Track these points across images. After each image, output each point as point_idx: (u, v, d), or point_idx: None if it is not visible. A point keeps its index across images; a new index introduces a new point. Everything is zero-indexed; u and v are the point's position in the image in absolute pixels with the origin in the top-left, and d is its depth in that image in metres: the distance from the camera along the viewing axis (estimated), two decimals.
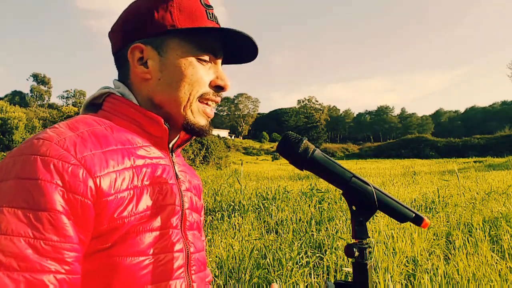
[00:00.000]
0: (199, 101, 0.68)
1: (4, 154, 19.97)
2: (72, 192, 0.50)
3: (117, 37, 0.70)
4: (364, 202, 0.62)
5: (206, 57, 0.68)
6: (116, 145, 0.59)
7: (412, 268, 2.93)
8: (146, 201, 0.60)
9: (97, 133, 0.58)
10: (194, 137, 0.75)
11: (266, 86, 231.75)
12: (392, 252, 3.12)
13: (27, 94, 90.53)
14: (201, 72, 0.67)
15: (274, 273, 2.88)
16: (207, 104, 0.70)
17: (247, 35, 0.67)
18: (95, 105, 0.70)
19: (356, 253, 0.60)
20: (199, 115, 0.69)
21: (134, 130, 0.66)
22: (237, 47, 0.72)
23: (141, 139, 0.65)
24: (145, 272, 0.58)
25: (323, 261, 3.00)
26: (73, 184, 0.50)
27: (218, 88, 0.70)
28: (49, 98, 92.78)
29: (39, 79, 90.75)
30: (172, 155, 0.72)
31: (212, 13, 0.69)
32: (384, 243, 3.28)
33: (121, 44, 0.68)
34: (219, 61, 0.72)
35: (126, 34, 0.68)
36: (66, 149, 0.52)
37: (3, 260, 0.44)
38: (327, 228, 4.10)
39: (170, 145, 0.72)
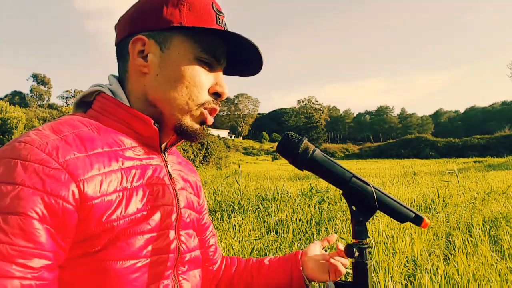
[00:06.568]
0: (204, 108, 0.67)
1: None
2: (53, 196, 0.49)
3: (122, 28, 0.68)
4: (364, 202, 0.62)
5: (208, 60, 0.66)
6: (103, 147, 0.58)
7: (412, 268, 2.93)
8: (136, 203, 0.58)
9: (82, 136, 0.57)
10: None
11: (266, 86, 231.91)
12: (392, 252, 3.11)
13: (27, 94, 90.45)
14: (200, 75, 0.65)
15: None
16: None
17: (253, 44, 0.65)
18: (86, 103, 0.69)
19: (356, 253, 0.61)
20: (195, 119, 0.67)
21: (123, 130, 0.64)
22: (241, 59, 0.71)
23: (130, 140, 0.64)
24: (137, 275, 0.57)
25: None
26: (54, 188, 0.49)
27: (216, 96, 0.69)
28: (49, 98, 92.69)
29: (39, 79, 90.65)
30: (164, 154, 0.71)
31: (222, 20, 0.68)
32: (384, 243, 3.27)
33: (125, 35, 0.67)
34: (221, 68, 0.70)
35: (131, 25, 0.66)
36: (48, 153, 0.51)
37: None
38: (327, 228, 4.10)
39: (163, 145, 0.71)
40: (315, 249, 0.87)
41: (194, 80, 0.65)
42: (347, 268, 0.85)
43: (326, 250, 0.90)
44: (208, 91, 0.67)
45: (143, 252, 0.58)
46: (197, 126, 0.68)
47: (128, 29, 0.66)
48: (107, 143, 0.60)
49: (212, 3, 0.67)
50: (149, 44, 0.64)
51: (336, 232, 3.80)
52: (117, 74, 0.71)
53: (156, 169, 0.66)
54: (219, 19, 0.67)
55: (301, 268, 0.84)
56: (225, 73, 0.73)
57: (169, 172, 0.69)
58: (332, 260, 0.80)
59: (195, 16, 0.64)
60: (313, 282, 0.83)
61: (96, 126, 0.61)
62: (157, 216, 0.62)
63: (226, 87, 0.69)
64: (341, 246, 0.80)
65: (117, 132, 0.63)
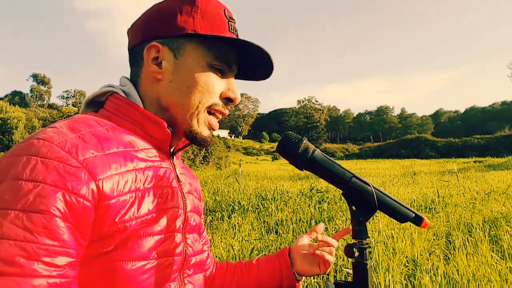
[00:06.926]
0: (207, 111, 0.68)
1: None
2: (74, 194, 0.49)
3: (136, 33, 0.69)
4: (364, 202, 0.62)
5: (221, 67, 0.67)
6: (118, 147, 0.58)
7: (412, 268, 2.93)
8: (147, 205, 0.59)
9: (98, 135, 0.57)
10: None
11: (266, 86, 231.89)
12: (392, 252, 3.11)
13: (27, 94, 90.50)
14: (213, 81, 0.67)
15: None
16: (214, 115, 0.69)
17: (265, 51, 0.66)
18: (96, 103, 0.69)
19: (356, 253, 0.61)
20: (204, 125, 0.68)
21: (136, 132, 0.64)
22: (252, 65, 0.72)
23: (142, 142, 0.64)
24: (145, 276, 0.57)
25: None
26: (75, 186, 0.49)
27: (227, 100, 0.70)
28: (49, 98, 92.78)
29: (39, 79, 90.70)
30: (173, 158, 0.72)
31: (233, 26, 0.69)
32: (384, 243, 3.27)
33: (139, 41, 0.68)
34: (232, 74, 0.71)
35: (145, 32, 0.67)
36: (68, 151, 0.51)
37: None
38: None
39: (172, 149, 0.72)
40: (303, 242, 0.86)
41: (208, 86, 0.66)
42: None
43: (314, 242, 0.89)
44: (220, 96, 0.69)
45: (152, 253, 0.58)
46: (206, 133, 0.69)
47: (142, 35, 0.67)
48: (122, 143, 0.60)
49: (224, 9, 0.68)
50: (163, 51, 0.65)
51: (336, 232, 3.80)
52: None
53: (166, 172, 0.66)
54: (231, 25, 0.68)
55: (290, 264, 0.84)
56: (236, 77, 0.74)
57: (177, 175, 0.70)
58: (317, 252, 0.79)
59: (208, 23, 0.65)
60: (314, 281, 0.84)
61: (111, 126, 0.62)
62: (166, 219, 0.62)
63: (238, 93, 0.71)
64: (320, 237, 0.80)
65: (130, 133, 0.64)
